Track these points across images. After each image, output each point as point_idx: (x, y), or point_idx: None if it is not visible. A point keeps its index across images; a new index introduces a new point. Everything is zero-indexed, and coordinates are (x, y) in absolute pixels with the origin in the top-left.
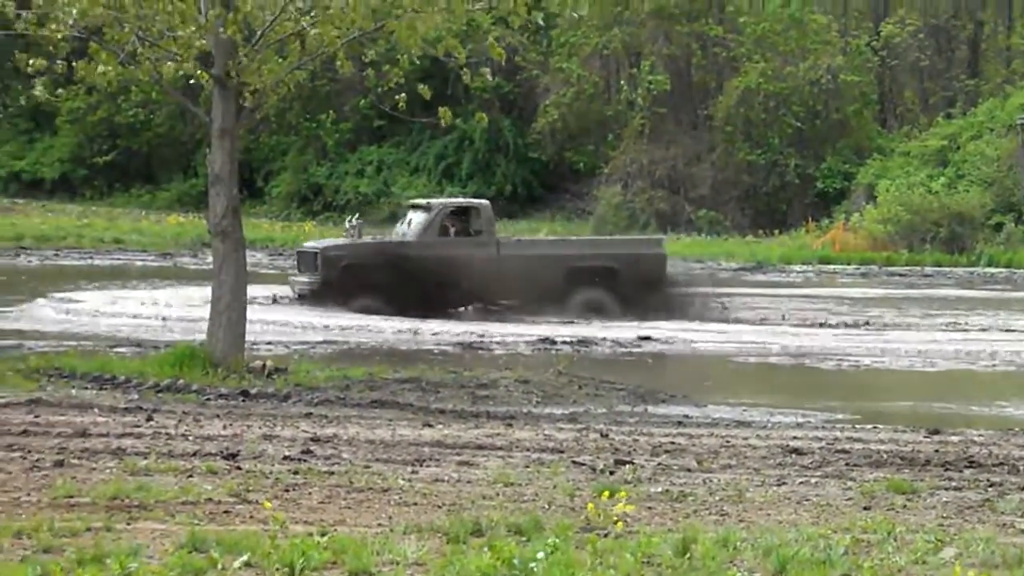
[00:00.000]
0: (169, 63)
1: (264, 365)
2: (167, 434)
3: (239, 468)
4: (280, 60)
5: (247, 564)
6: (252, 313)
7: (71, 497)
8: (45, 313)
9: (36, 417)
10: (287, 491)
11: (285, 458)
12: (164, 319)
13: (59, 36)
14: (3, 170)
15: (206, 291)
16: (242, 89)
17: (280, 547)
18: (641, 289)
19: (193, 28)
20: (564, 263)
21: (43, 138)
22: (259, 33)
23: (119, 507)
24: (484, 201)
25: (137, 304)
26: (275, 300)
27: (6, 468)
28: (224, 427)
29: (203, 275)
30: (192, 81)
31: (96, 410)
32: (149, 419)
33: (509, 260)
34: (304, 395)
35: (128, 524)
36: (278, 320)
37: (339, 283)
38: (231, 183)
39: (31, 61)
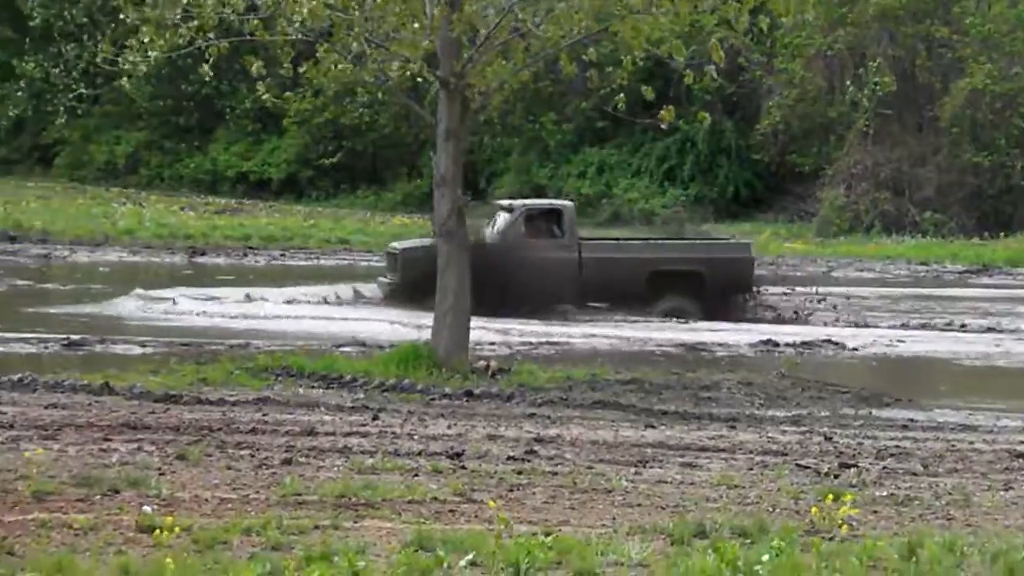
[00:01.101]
0: (395, 64)
1: (488, 365)
2: (393, 433)
3: (464, 468)
4: (504, 62)
5: (472, 563)
6: None
7: (299, 495)
8: (269, 309)
9: (264, 415)
10: (511, 491)
11: (509, 458)
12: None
13: (286, 39)
14: (231, 171)
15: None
16: (467, 91)
17: (505, 547)
18: (726, 295)
19: (419, 29)
20: (647, 267)
21: (270, 139)
22: (484, 34)
23: (346, 505)
24: (567, 203)
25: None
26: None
27: (235, 466)
28: (449, 427)
29: None
30: (419, 80)
31: (323, 409)
32: (375, 418)
33: (590, 263)
34: (527, 395)
35: (355, 522)
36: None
37: (418, 284)
38: (456, 184)
39: (254, 64)
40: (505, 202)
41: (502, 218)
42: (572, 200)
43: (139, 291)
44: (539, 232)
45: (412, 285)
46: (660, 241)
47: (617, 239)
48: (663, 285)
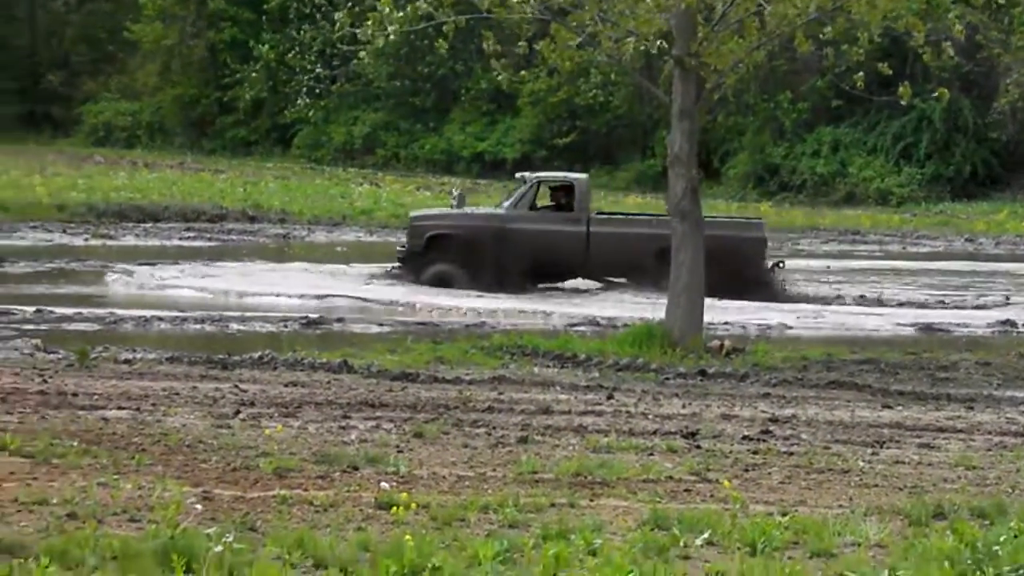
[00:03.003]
0: (630, 43)
1: (722, 345)
2: (627, 412)
3: (698, 447)
4: (739, 40)
5: (708, 542)
6: None
7: (535, 473)
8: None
9: (500, 394)
10: (746, 471)
11: (744, 438)
12: None
13: (522, 17)
14: (466, 151)
15: None
16: (702, 70)
17: (741, 526)
18: (736, 273)
19: (654, 7)
20: (655, 242)
21: (504, 120)
22: (719, 13)
23: (582, 484)
24: (581, 175)
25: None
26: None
27: (472, 444)
28: (683, 406)
29: None
30: (653, 55)
31: (558, 388)
32: (609, 397)
33: (598, 237)
34: (761, 375)
35: (591, 500)
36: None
37: (424, 251)
38: (690, 164)
39: (490, 41)
40: (520, 175)
41: (517, 191)
42: (805, 179)
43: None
44: (549, 204)
45: (417, 253)
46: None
47: (628, 215)
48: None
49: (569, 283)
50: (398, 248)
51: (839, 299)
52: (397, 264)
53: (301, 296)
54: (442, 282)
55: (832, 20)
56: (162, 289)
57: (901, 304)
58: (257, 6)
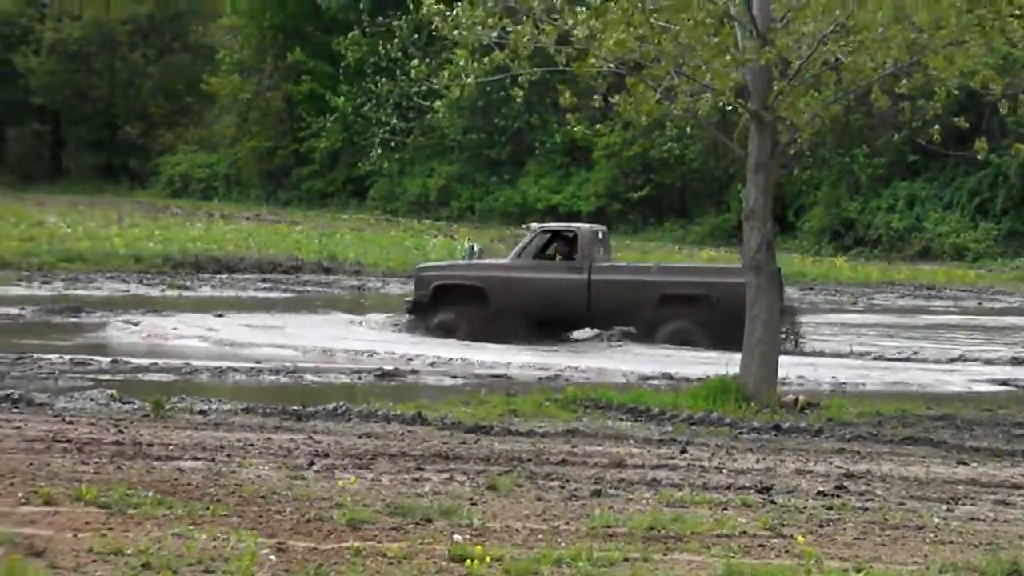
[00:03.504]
0: (706, 97)
1: (796, 399)
2: (701, 466)
3: (773, 502)
4: (815, 94)
5: None
6: None
7: (608, 527)
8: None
9: (574, 447)
10: (821, 526)
11: (818, 493)
12: None
13: (597, 70)
14: (540, 203)
15: None
16: (777, 123)
17: None
18: (735, 320)
19: (729, 59)
20: (656, 289)
21: (579, 172)
22: (796, 67)
23: (655, 538)
24: (585, 226)
25: None
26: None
27: (546, 497)
28: (757, 461)
29: None
30: (729, 109)
31: (631, 441)
32: (683, 451)
33: (599, 285)
34: (836, 430)
35: (664, 555)
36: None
37: (430, 302)
38: (765, 217)
39: (567, 94)
40: (527, 225)
41: (522, 241)
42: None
43: None
44: (553, 254)
45: (423, 303)
46: (671, 265)
47: (630, 264)
48: (670, 309)
49: (576, 333)
50: (405, 300)
51: (915, 355)
52: (407, 315)
53: (297, 347)
54: (447, 331)
55: (909, 75)
56: (164, 339)
57: (984, 362)
58: (334, 59)
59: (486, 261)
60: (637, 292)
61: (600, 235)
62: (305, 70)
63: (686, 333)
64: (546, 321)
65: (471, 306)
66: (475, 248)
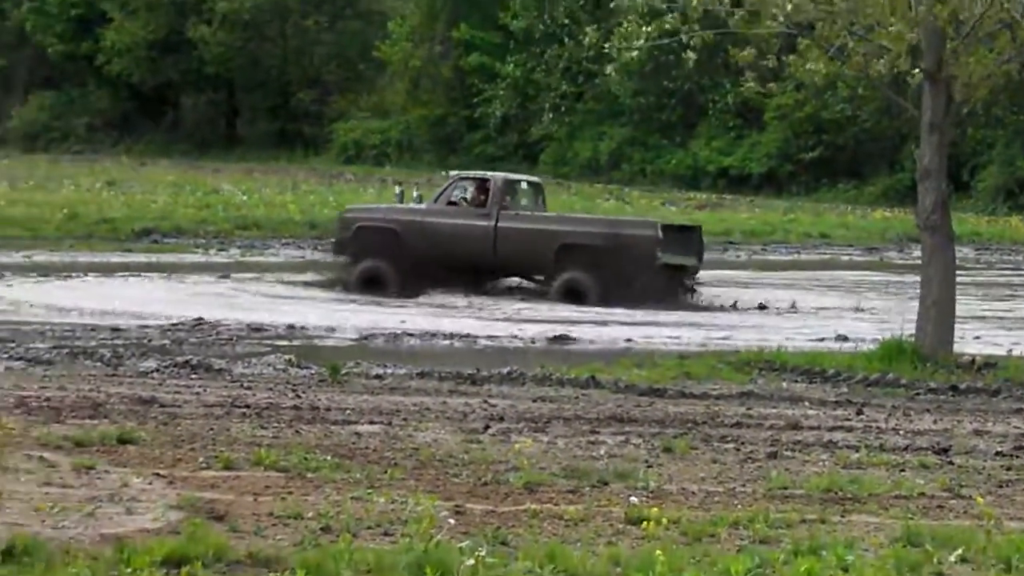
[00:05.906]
0: (882, 58)
1: (973, 359)
2: (877, 428)
3: (950, 463)
4: (989, 53)
5: (962, 559)
6: None
7: (785, 489)
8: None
9: (748, 409)
10: (1000, 487)
11: (997, 454)
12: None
13: (770, 32)
14: (711, 166)
15: None
16: (951, 83)
17: (995, 543)
18: (625, 273)
19: (904, 21)
20: (556, 239)
21: (751, 134)
22: (970, 26)
23: (832, 500)
24: (499, 174)
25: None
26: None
27: (722, 459)
28: (934, 422)
29: (910, 269)
30: (898, 74)
31: (807, 403)
32: (859, 413)
33: (504, 232)
34: (1014, 390)
35: (842, 516)
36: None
37: (351, 244)
38: (940, 178)
39: (743, 53)
40: (447, 172)
41: (441, 188)
42: None
43: None
44: (467, 201)
45: (344, 245)
46: (571, 216)
47: (538, 213)
48: (567, 259)
49: (508, 282)
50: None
51: None
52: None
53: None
54: (371, 277)
55: None
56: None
57: None
58: (503, 29)
59: (406, 206)
60: (537, 241)
61: (524, 185)
62: (475, 44)
63: (579, 284)
64: (456, 267)
65: (393, 252)
66: (410, 193)
